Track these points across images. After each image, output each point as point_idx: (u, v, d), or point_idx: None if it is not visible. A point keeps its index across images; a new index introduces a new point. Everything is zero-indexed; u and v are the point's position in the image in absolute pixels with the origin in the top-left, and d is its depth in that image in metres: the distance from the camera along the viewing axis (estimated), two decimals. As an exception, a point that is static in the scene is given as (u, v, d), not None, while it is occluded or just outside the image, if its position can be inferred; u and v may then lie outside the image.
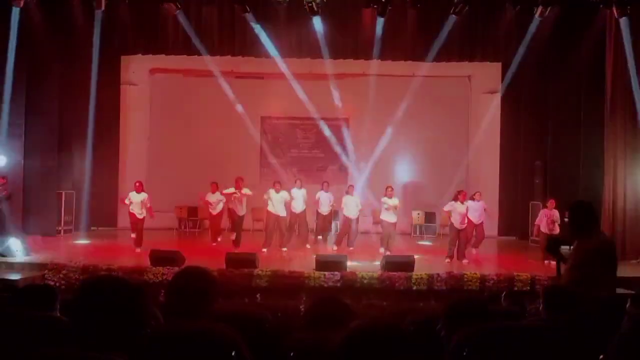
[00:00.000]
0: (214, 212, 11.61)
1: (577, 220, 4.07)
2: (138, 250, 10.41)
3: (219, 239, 11.63)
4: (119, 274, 8.39)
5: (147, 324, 1.78)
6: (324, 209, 11.82)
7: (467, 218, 10.46)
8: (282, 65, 13.23)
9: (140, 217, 10.61)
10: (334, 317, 2.34)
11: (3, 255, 9.53)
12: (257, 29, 12.07)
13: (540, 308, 3.06)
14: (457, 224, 10.30)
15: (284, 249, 10.90)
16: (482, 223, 10.92)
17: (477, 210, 10.72)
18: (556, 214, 10.29)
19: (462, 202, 10.36)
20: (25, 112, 11.95)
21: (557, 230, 10.21)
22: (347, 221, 11.38)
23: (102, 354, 1.55)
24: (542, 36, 11.97)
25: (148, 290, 6.14)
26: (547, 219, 10.36)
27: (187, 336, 1.98)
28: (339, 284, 8.47)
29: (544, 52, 12.48)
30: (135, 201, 10.60)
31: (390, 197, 10.76)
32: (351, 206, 11.36)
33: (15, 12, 11.00)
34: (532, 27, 11.77)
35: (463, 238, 10.35)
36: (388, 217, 10.78)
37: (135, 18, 12.43)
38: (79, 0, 11.57)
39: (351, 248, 11.19)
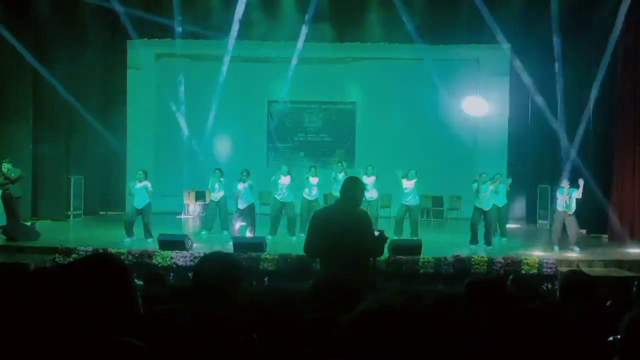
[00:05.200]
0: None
1: None
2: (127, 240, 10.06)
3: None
4: (127, 257, 8.49)
5: (136, 303, 1.74)
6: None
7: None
8: (288, 48, 13.17)
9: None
10: (340, 297, 2.33)
11: (13, 239, 9.63)
12: (263, 12, 12.02)
13: (558, 292, 3.10)
14: (480, 205, 10.08)
15: (294, 238, 10.62)
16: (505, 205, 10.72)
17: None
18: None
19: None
20: (33, 97, 12.00)
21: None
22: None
23: (117, 336, 1.56)
24: (552, 18, 11.81)
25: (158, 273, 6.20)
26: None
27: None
28: (346, 268, 8.50)
29: (554, 33, 12.32)
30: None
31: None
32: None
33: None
34: (542, 9, 11.60)
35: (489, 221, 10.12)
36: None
37: (140, 1, 12.40)
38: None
39: None
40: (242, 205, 10.44)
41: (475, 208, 10.20)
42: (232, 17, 12.60)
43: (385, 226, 11.04)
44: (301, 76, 14.00)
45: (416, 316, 1.33)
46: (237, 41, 13.04)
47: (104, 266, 1.69)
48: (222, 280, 2.13)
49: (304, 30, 12.64)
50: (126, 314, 1.67)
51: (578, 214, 9.97)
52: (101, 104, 13.60)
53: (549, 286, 7.78)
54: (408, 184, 10.58)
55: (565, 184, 9.88)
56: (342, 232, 4.06)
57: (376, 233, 4.31)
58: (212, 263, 2.21)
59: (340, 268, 3.91)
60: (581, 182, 9.72)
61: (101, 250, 8.75)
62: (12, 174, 10.26)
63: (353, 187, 4.29)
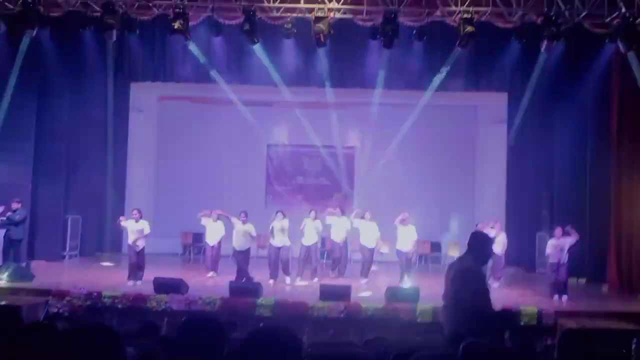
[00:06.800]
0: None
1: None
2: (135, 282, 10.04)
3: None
4: (121, 301, 8.39)
5: None
6: (339, 236, 11.54)
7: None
8: (289, 93, 13.36)
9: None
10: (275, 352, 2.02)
11: (12, 280, 9.54)
12: (265, 58, 12.26)
13: (556, 353, 3.07)
14: None
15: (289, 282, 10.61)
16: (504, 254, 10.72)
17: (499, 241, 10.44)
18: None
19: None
20: (35, 138, 12.11)
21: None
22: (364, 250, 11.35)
23: None
24: (548, 67, 12.05)
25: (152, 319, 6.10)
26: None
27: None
28: (342, 315, 8.40)
29: (551, 82, 12.55)
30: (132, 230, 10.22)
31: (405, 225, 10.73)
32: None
33: (25, 42, 11.04)
34: (538, 59, 11.83)
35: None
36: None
37: (145, 47, 12.66)
38: (90, 31, 11.68)
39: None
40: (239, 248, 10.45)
41: None
42: (234, 62, 12.86)
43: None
44: (301, 120, 14.17)
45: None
46: (238, 85, 13.26)
47: (95, 337, 1.70)
48: (205, 341, 2.14)
49: (305, 75, 12.89)
50: None
51: (578, 262, 9.91)
52: (101, 144, 13.69)
53: (548, 341, 7.62)
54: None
55: (557, 233, 9.85)
56: (451, 285, 4.23)
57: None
58: (192, 327, 2.24)
59: (448, 321, 4.10)
60: (572, 234, 9.71)
61: (95, 294, 8.67)
62: (17, 216, 10.27)
63: (475, 241, 4.37)
